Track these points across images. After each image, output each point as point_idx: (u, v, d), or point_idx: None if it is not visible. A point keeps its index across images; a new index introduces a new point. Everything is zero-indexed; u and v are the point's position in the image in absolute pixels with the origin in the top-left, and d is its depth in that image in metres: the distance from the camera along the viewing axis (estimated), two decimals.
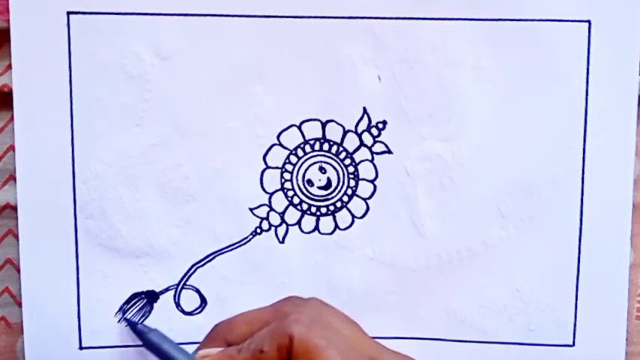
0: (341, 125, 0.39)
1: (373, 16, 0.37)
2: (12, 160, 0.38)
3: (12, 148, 0.38)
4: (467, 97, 0.38)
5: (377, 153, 0.39)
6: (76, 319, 0.39)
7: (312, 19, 0.37)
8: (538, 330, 0.40)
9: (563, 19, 0.38)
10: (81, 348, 0.39)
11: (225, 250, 0.39)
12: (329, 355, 0.31)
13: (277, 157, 0.39)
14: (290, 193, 0.39)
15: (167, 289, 0.40)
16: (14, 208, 0.38)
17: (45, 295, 0.39)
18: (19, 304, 0.39)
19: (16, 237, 0.39)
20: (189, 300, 0.40)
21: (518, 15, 0.37)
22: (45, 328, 0.39)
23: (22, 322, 0.39)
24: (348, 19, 0.37)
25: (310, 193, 0.39)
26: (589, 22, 0.38)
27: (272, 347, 0.32)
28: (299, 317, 0.32)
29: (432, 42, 0.38)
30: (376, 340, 0.33)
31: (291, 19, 0.37)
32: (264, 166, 0.39)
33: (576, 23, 0.38)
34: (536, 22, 0.38)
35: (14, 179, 0.38)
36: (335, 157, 0.39)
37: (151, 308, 0.39)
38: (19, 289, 0.39)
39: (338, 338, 0.32)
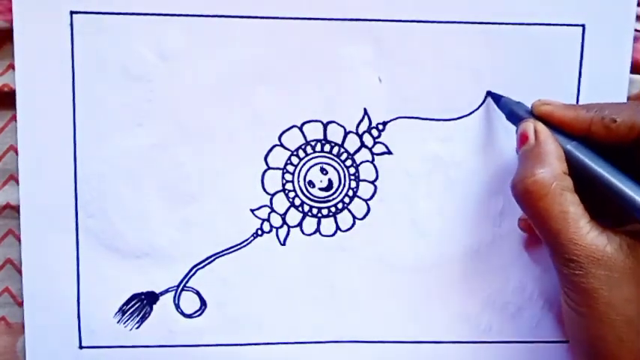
0: (342, 126, 0.39)
1: (374, 18, 0.38)
2: (12, 160, 0.38)
3: (12, 148, 0.38)
4: (465, 98, 0.39)
5: (377, 154, 0.39)
6: (76, 319, 0.39)
7: (313, 21, 0.38)
8: (540, 326, 0.40)
9: (558, 23, 0.38)
10: (81, 347, 0.39)
11: (226, 252, 0.39)
12: None
13: (278, 157, 0.39)
14: (291, 195, 0.39)
15: (167, 291, 0.39)
16: (14, 208, 0.38)
17: (46, 294, 0.38)
18: (20, 304, 0.39)
19: (17, 237, 0.39)
20: (189, 302, 0.39)
21: (514, 19, 0.38)
22: (45, 327, 0.39)
23: (22, 322, 0.39)
24: (349, 21, 0.38)
25: (311, 195, 0.39)
26: (583, 26, 0.39)
27: (627, 123, 0.32)
28: None
29: (431, 44, 0.38)
30: None
31: (293, 20, 0.38)
32: (266, 167, 0.39)
33: (571, 27, 0.39)
34: (531, 26, 0.38)
35: (15, 179, 0.38)
36: (336, 158, 0.39)
37: (151, 310, 0.39)
38: (20, 289, 0.39)
39: None
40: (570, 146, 0.34)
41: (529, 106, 0.36)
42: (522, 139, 0.35)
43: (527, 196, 0.33)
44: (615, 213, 0.32)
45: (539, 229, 0.33)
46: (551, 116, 0.35)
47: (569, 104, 0.35)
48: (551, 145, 0.34)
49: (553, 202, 0.32)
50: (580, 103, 0.39)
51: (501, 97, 0.38)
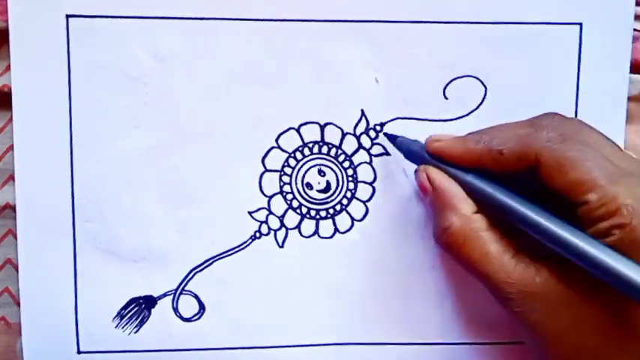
0: (339, 128, 0.39)
1: (371, 19, 0.38)
2: (12, 160, 0.38)
3: (12, 148, 0.38)
4: (462, 99, 0.39)
5: (375, 155, 0.39)
6: (74, 324, 0.39)
7: (309, 23, 0.38)
8: None
9: (555, 21, 0.38)
10: (79, 352, 0.39)
11: (224, 255, 0.39)
12: (585, 167, 0.29)
13: (276, 160, 0.39)
14: (289, 197, 0.39)
15: (165, 295, 0.39)
16: (14, 209, 0.38)
17: (43, 296, 0.38)
18: (19, 305, 0.39)
19: (17, 237, 0.38)
20: (188, 306, 0.39)
21: (511, 18, 0.38)
22: (43, 330, 0.39)
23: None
24: (346, 22, 0.38)
25: (309, 197, 0.39)
26: (580, 24, 0.38)
27: (513, 152, 0.31)
28: (553, 132, 0.31)
29: (428, 45, 0.38)
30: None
31: (289, 22, 0.37)
32: (263, 169, 0.39)
33: (568, 26, 0.38)
34: (528, 25, 0.38)
35: (14, 179, 0.38)
36: (334, 160, 0.39)
37: (149, 314, 0.39)
38: (19, 290, 0.38)
39: (594, 153, 0.30)
40: (469, 177, 0.33)
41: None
42: (422, 190, 0.35)
43: (449, 250, 0.33)
44: (536, 241, 0.31)
45: (472, 275, 0.33)
46: (442, 152, 0.34)
47: (460, 137, 0.34)
48: (449, 189, 0.33)
49: (472, 247, 0.32)
50: (580, 103, 0.39)
51: (397, 137, 0.38)
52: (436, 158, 0.35)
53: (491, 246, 0.32)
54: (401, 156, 0.38)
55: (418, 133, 0.38)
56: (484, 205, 0.33)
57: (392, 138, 0.38)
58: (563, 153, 0.30)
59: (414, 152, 0.36)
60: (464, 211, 0.33)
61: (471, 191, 0.33)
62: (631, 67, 0.39)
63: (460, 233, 0.32)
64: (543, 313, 0.31)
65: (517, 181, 0.32)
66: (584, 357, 0.31)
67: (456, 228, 0.32)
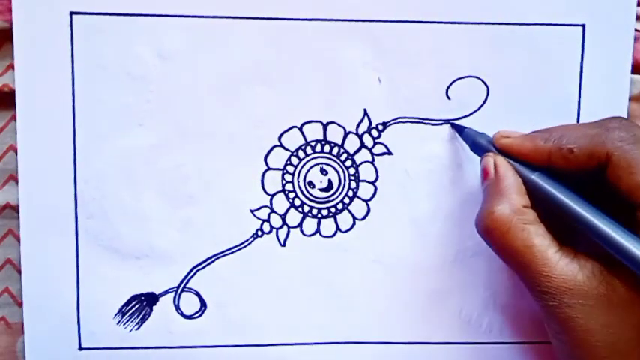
0: (342, 127, 0.39)
1: (373, 19, 0.38)
2: (12, 160, 0.38)
3: (12, 148, 0.38)
4: (465, 99, 0.39)
5: (377, 154, 0.39)
6: (76, 320, 0.39)
7: (313, 22, 0.38)
8: (541, 327, 0.40)
9: (558, 23, 0.38)
10: (80, 349, 0.39)
11: (226, 252, 0.39)
12: None
13: (278, 158, 0.39)
14: (291, 195, 0.39)
15: (167, 292, 0.39)
16: (14, 208, 0.38)
17: (45, 295, 0.38)
18: (19, 304, 0.39)
19: (17, 237, 0.38)
20: (189, 303, 0.39)
21: (514, 19, 0.38)
22: (45, 328, 0.39)
23: (22, 322, 0.39)
24: (349, 21, 0.38)
25: (311, 195, 0.39)
26: (583, 26, 0.39)
27: (584, 151, 0.32)
28: (624, 133, 0.31)
29: (431, 45, 0.38)
30: None
31: (293, 21, 0.38)
32: (266, 168, 0.39)
33: (571, 27, 0.39)
34: (531, 26, 0.38)
35: (15, 179, 0.38)
36: (336, 159, 0.39)
37: (151, 311, 0.39)
38: (19, 289, 0.39)
39: None
40: (534, 177, 0.34)
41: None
42: (484, 174, 0.35)
43: (489, 234, 0.33)
44: (584, 240, 0.32)
45: (508, 265, 0.33)
46: (511, 149, 0.35)
47: (529, 135, 0.35)
48: (510, 180, 0.33)
49: (515, 237, 0.32)
50: (582, 103, 0.39)
51: (464, 128, 0.38)
52: (503, 154, 0.35)
53: (535, 239, 0.32)
54: (402, 155, 0.39)
55: (420, 133, 0.39)
56: (542, 201, 0.33)
57: (459, 129, 0.38)
58: (635, 154, 0.31)
59: (480, 145, 0.37)
60: (516, 202, 0.33)
61: (532, 189, 0.34)
62: (632, 68, 0.39)
63: (506, 221, 0.32)
64: (579, 309, 0.31)
65: (578, 183, 0.33)
66: (616, 356, 0.31)
67: (503, 214, 0.32)
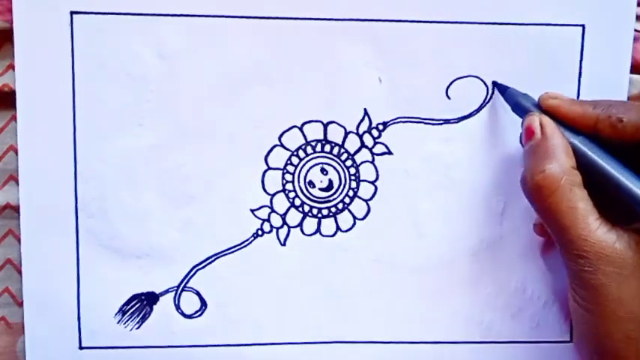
0: (342, 126, 0.39)
1: (374, 18, 0.38)
2: (12, 160, 0.38)
3: (12, 148, 0.38)
4: (465, 99, 0.39)
5: (377, 154, 0.39)
6: (76, 320, 0.39)
7: (313, 21, 0.38)
8: (541, 327, 0.40)
9: (558, 23, 0.39)
10: (81, 348, 0.39)
11: (226, 252, 0.39)
12: None
13: (279, 158, 0.39)
14: (291, 195, 0.39)
15: (167, 291, 0.39)
16: (14, 209, 0.38)
17: (46, 295, 0.38)
18: (20, 304, 0.39)
19: (17, 237, 0.39)
20: (190, 303, 0.39)
21: (514, 19, 0.38)
22: (45, 328, 0.39)
23: (22, 322, 0.39)
24: (350, 21, 0.38)
25: (312, 195, 0.39)
26: (583, 26, 0.39)
27: (633, 123, 0.32)
28: None
29: (431, 44, 0.38)
30: None
31: (293, 20, 0.38)
32: (266, 167, 0.39)
33: (571, 27, 0.39)
34: (531, 26, 0.38)
35: (15, 179, 0.38)
36: (336, 159, 0.39)
37: (151, 310, 0.39)
38: (20, 289, 0.39)
39: None
40: (577, 141, 0.34)
41: (535, 98, 0.36)
42: (528, 133, 0.35)
43: (538, 192, 0.33)
44: (623, 210, 0.32)
45: (548, 225, 0.33)
46: (558, 111, 0.35)
47: (576, 100, 0.35)
48: (558, 139, 0.33)
49: (562, 197, 0.32)
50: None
51: (507, 87, 0.38)
52: (548, 115, 0.35)
53: (580, 202, 0.32)
54: (403, 155, 0.39)
55: (420, 132, 0.39)
56: (585, 167, 0.33)
57: (502, 88, 0.38)
58: None
59: (522, 106, 0.36)
60: (564, 163, 0.33)
61: (575, 153, 0.34)
62: (632, 68, 0.39)
63: (555, 180, 0.32)
64: (614, 278, 0.31)
65: (617, 154, 0.33)
66: (638, 332, 0.31)
67: (553, 173, 0.32)
